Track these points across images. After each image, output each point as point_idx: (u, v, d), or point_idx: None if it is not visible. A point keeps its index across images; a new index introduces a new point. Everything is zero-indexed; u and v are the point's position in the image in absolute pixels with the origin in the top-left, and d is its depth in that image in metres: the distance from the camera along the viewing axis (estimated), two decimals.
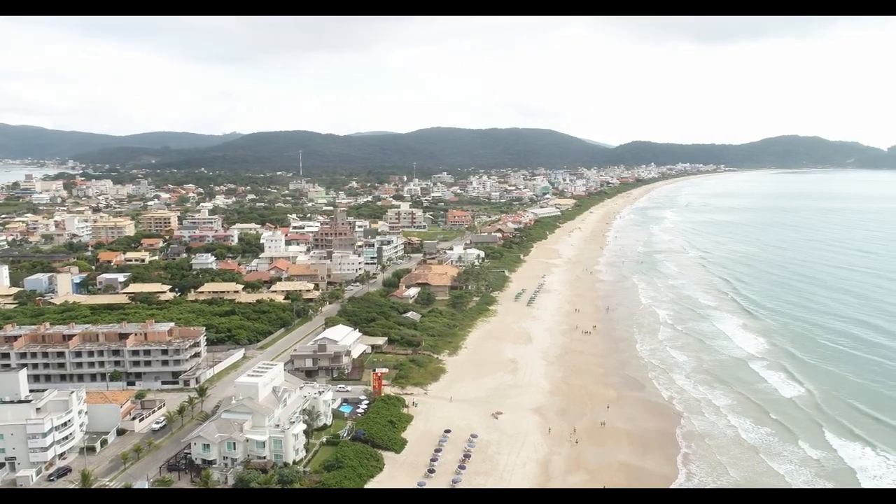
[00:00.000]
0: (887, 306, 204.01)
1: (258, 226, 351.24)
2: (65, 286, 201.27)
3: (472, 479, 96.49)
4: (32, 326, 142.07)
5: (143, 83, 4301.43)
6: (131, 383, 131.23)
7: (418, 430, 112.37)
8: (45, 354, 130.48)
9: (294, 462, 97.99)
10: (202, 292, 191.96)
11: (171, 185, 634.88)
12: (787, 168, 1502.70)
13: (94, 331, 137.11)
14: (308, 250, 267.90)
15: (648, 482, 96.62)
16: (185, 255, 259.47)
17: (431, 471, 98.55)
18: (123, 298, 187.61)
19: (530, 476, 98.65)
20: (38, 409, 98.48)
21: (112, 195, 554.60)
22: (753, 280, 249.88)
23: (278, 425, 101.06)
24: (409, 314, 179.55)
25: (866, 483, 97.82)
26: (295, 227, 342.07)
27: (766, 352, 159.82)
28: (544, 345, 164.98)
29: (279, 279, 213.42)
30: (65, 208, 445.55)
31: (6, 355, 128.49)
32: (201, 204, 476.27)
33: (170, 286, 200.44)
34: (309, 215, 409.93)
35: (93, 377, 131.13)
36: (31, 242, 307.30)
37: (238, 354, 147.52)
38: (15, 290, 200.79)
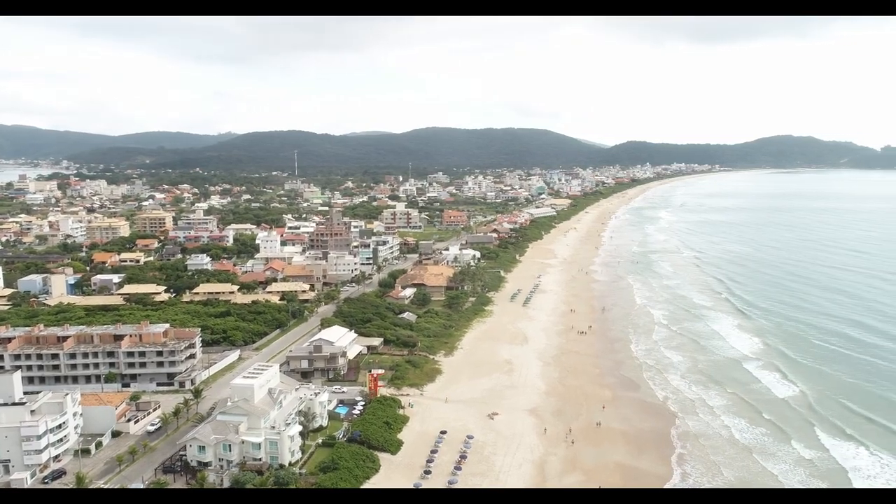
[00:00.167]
0: (880, 306, 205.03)
1: (253, 226, 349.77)
2: (59, 287, 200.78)
3: (469, 480, 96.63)
4: (26, 328, 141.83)
5: (142, 83, 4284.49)
6: (126, 385, 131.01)
7: (414, 432, 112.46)
8: (40, 356, 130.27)
9: (290, 464, 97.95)
10: (197, 293, 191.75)
11: (165, 186, 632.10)
12: (781, 168, 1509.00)
13: (88, 332, 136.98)
14: (303, 251, 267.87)
15: (644, 482, 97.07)
16: (180, 256, 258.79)
17: (427, 472, 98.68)
18: (118, 299, 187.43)
19: (526, 477, 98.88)
20: (32, 412, 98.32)
21: (106, 195, 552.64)
22: (747, 280, 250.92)
23: (274, 427, 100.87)
24: (405, 315, 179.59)
25: (859, 483, 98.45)
26: (290, 228, 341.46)
27: (759, 352, 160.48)
28: (540, 345, 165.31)
29: (275, 280, 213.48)
30: (59, 209, 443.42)
31: (0, 357, 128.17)
32: (196, 204, 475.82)
33: (165, 287, 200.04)
34: (304, 216, 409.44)
35: (87, 379, 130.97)
36: (24, 243, 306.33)
37: (233, 356, 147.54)
38: (9, 291, 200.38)
